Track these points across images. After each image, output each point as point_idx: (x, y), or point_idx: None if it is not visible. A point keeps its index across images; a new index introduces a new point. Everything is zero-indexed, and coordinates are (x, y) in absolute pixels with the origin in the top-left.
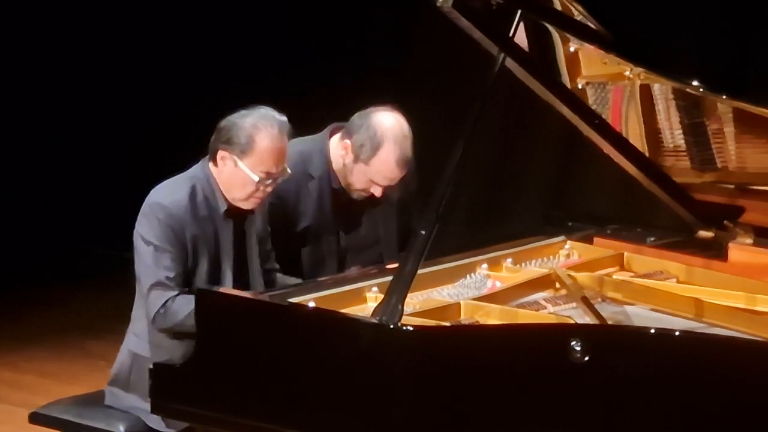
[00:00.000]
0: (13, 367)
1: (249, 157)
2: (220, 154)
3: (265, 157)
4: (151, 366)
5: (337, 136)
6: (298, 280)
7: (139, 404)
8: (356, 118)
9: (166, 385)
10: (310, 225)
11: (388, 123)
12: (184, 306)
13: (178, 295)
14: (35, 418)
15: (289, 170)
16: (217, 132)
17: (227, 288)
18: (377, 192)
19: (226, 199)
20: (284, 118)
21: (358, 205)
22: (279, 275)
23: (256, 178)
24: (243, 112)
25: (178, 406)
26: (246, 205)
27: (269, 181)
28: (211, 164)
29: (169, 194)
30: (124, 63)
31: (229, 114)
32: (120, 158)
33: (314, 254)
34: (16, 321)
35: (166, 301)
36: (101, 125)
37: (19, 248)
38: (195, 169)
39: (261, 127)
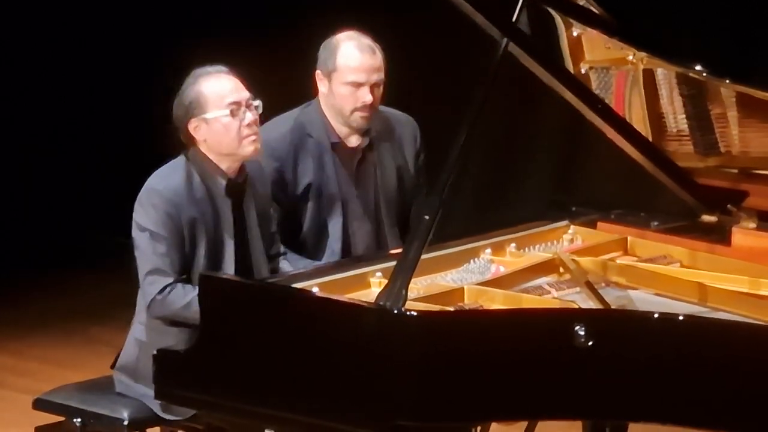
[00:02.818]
0: (16, 353)
1: (209, 105)
2: (191, 127)
3: (220, 94)
4: (155, 352)
5: None
6: (307, 261)
7: (149, 392)
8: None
9: (170, 372)
10: (311, 183)
11: (341, 33)
12: (181, 297)
13: (175, 282)
14: (39, 404)
15: (257, 100)
16: (174, 119)
17: (230, 269)
18: (366, 95)
19: (223, 175)
20: (217, 65)
21: (358, 161)
22: (284, 261)
23: (227, 111)
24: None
25: (183, 393)
26: (246, 150)
27: (243, 111)
28: (195, 147)
29: (164, 179)
30: (125, 51)
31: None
32: (125, 144)
33: (317, 214)
34: (19, 307)
35: (164, 288)
36: (106, 110)
37: (22, 234)
38: (186, 154)
39: (199, 80)
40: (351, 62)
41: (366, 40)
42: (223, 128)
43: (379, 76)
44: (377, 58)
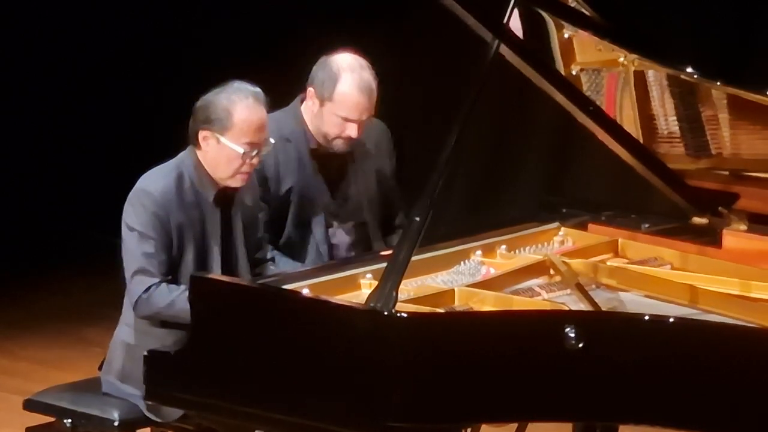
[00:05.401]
0: (8, 353)
1: (230, 131)
2: (202, 134)
3: (245, 128)
4: (146, 353)
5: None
6: (294, 264)
7: (137, 393)
8: (315, 66)
9: (161, 373)
10: (292, 186)
11: (343, 58)
12: (165, 296)
13: (160, 282)
14: (29, 405)
15: (272, 140)
16: (194, 114)
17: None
18: (353, 131)
19: (214, 185)
20: (257, 89)
21: (338, 165)
22: (272, 265)
23: (241, 150)
24: (216, 89)
25: (174, 394)
26: (234, 183)
27: (254, 153)
28: (195, 149)
29: (154, 181)
30: (123, 53)
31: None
32: (118, 143)
33: (300, 216)
34: (11, 307)
35: (149, 287)
36: (99, 108)
37: (14, 234)
38: (181, 156)
39: (236, 99)
40: (348, 100)
41: (367, 75)
42: (227, 158)
43: (370, 113)
44: (373, 98)
